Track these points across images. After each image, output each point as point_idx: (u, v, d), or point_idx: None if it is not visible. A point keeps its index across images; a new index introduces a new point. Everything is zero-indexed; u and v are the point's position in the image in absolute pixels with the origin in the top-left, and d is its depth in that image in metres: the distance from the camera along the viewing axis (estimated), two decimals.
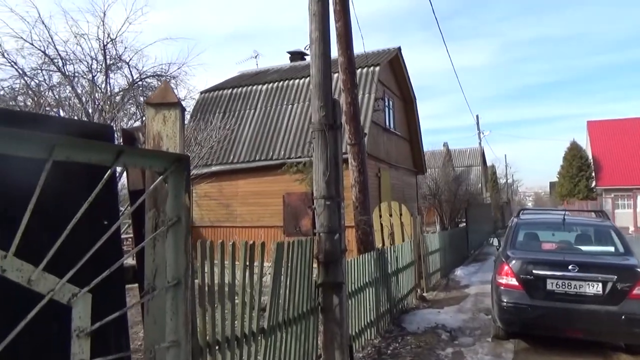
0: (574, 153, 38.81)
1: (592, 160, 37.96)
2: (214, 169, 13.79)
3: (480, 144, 37.52)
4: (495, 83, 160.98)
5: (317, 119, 5.11)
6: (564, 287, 6.16)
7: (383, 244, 11.24)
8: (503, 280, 6.54)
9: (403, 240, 10.78)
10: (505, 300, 6.43)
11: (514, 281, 6.44)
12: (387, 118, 16.06)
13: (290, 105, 14.62)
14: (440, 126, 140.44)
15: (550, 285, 6.22)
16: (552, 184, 70.28)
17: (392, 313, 7.96)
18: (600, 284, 6.03)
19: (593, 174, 37.40)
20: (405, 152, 18.44)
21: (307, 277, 4.94)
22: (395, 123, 17.04)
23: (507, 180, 58.41)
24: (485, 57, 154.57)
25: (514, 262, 6.55)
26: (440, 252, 13.05)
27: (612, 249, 6.77)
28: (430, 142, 76.35)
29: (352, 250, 8.10)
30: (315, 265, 5.10)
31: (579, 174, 38.02)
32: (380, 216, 11.41)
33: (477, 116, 36.37)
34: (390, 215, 11.39)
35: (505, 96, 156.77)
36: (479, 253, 19.72)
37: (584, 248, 6.87)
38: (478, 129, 36.44)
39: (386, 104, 16.12)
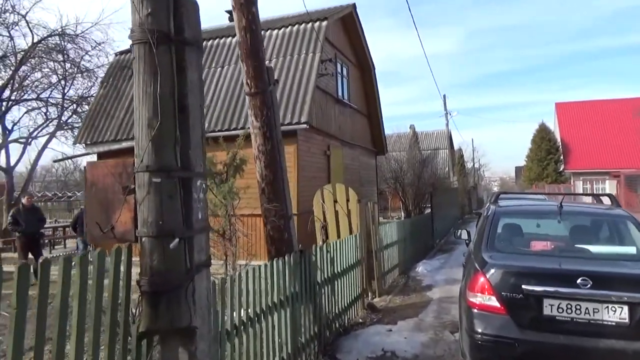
0: (543, 135, 37.53)
1: (560, 143, 36.73)
2: (124, 145, 11.18)
3: (447, 125, 35.73)
4: (461, 70, 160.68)
5: (137, 21, 2.69)
6: (570, 311, 3.99)
7: (324, 240, 8.96)
8: (477, 299, 4.33)
9: (351, 233, 8.52)
10: (480, 331, 4.23)
11: (493, 301, 4.23)
12: (339, 87, 13.69)
13: (220, 68, 12.07)
14: (407, 112, 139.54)
15: (550, 308, 4.04)
16: (518, 169, 69.77)
17: (323, 338, 5.68)
18: (625, 308, 3.88)
19: (562, 157, 36.19)
20: (362, 129, 16.16)
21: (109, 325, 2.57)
22: (350, 94, 14.71)
23: (474, 165, 57.28)
24: (451, 44, 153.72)
25: (493, 271, 4.33)
26: (399, 244, 10.89)
27: (633, 250, 4.64)
28: (397, 127, 74.72)
29: (256, 254, 5.79)
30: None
31: (547, 157, 36.80)
32: (323, 202, 9.10)
33: (445, 96, 34.56)
34: (336, 202, 9.09)
35: (471, 83, 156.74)
36: (445, 242, 17.76)
37: (593, 249, 4.70)
38: (445, 109, 34.61)
39: (338, 70, 13.74)
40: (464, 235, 7.60)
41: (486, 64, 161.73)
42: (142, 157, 2.66)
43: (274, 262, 4.57)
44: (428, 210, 19.46)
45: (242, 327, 3.89)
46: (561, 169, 36.20)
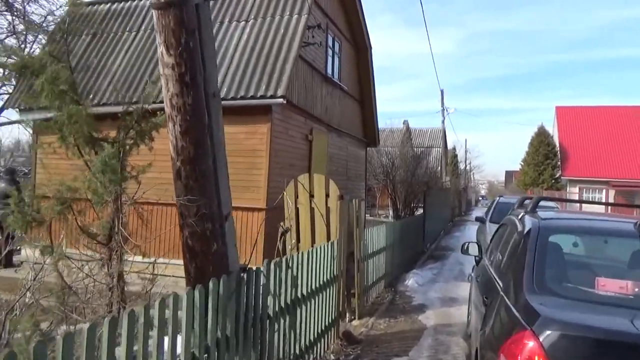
0: (542, 139, 35.95)
1: (558, 148, 35.21)
2: None
3: (443, 122, 34.00)
4: (459, 72, 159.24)
5: None
6: None
7: (297, 247, 7.13)
8: None
9: (329, 238, 6.70)
10: None
11: None
12: (329, 63, 11.79)
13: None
14: (401, 110, 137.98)
15: None
16: (508, 173, 68.58)
17: None
18: None
19: (559, 163, 34.68)
20: (353, 116, 14.30)
21: None
22: (341, 74, 12.82)
23: (466, 166, 55.73)
24: (450, 46, 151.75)
25: (552, 333, 2.53)
26: (387, 251, 9.12)
27: None
28: (390, 122, 72.89)
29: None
30: None
31: (545, 161, 35.23)
32: (297, 197, 7.25)
33: (442, 91, 32.76)
34: (312, 197, 7.24)
35: (467, 86, 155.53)
36: (437, 247, 16.04)
37: None
38: (442, 105, 32.86)
39: (329, 43, 11.82)
40: (474, 250, 5.82)
41: (484, 67, 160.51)
42: None
43: (190, 293, 2.72)
44: (419, 211, 17.75)
45: None
46: (557, 175, 34.71)
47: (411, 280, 9.54)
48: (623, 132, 34.51)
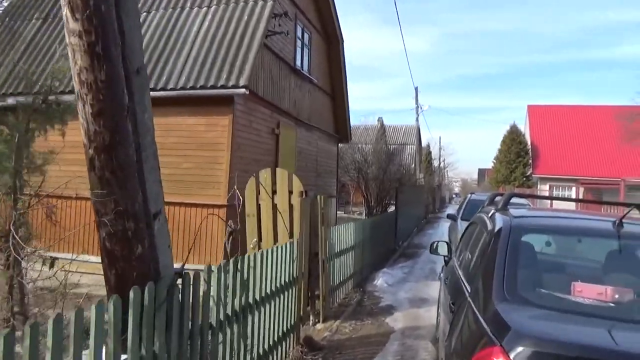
0: (513, 137, 36.24)
1: (530, 147, 35.55)
2: (9, 101, 8.51)
3: (417, 119, 33.90)
4: (433, 71, 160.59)
5: None
6: None
7: (258, 246, 6.70)
8: None
9: (292, 237, 6.28)
10: None
11: None
12: (298, 55, 11.35)
13: (142, 13, 9.52)
14: (375, 108, 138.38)
15: None
16: (481, 171, 69.25)
17: None
18: None
19: (530, 161, 35.02)
20: (323, 110, 13.89)
21: None
22: (311, 67, 12.39)
23: (439, 163, 56.01)
24: (426, 44, 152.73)
25: (524, 350, 2.17)
26: (355, 250, 8.76)
27: None
28: (364, 120, 72.86)
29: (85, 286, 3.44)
30: None
31: (516, 159, 35.53)
32: (259, 193, 6.80)
33: (417, 88, 32.64)
34: (275, 193, 6.81)
35: (441, 85, 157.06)
36: (409, 245, 15.82)
37: None
38: (416, 102, 32.75)
39: (298, 34, 11.38)
40: (443, 250, 5.49)
41: (458, 66, 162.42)
42: None
43: (98, 307, 2.27)
44: (391, 208, 17.49)
45: None
46: (529, 172, 35.05)
47: (380, 280, 9.21)
48: (593, 131, 35.08)
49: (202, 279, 3.28)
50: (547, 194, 32.15)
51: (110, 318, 2.36)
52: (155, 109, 8.92)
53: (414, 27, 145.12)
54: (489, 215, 3.79)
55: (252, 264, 4.10)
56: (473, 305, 2.88)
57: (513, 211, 3.66)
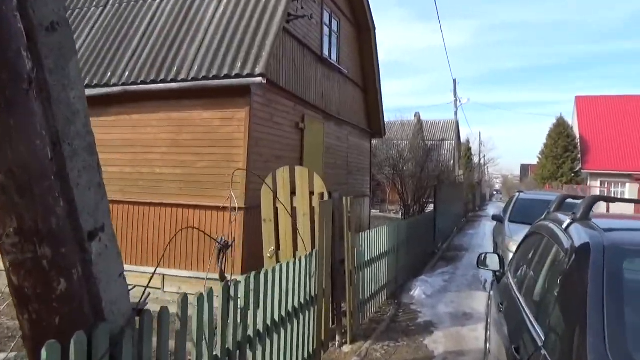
0: (560, 131, 34.11)
1: (579, 140, 33.38)
2: None
3: (456, 113, 32.43)
4: (472, 65, 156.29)
5: None
6: None
7: (276, 255, 5.89)
8: None
9: (314, 246, 5.41)
10: None
11: None
12: (325, 42, 10.45)
13: (155, 0, 8.87)
14: (411, 104, 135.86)
15: None
16: (524, 167, 66.35)
17: None
18: None
19: (579, 156, 32.86)
20: (355, 103, 12.94)
21: None
22: (340, 56, 11.47)
23: (479, 159, 53.86)
24: (464, 38, 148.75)
25: None
26: (390, 256, 7.82)
27: None
28: (400, 115, 71.15)
29: None
30: None
31: (564, 154, 33.41)
32: (276, 195, 5.97)
33: (455, 80, 31.18)
34: (293, 194, 5.97)
35: (481, 79, 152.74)
36: (449, 247, 14.70)
37: None
38: (455, 95, 31.27)
39: (325, 20, 10.48)
40: (494, 264, 4.49)
41: (499, 59, 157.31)
42: None
43: None
44: (430, 207, 16.38)
45: None
46: (578, 168, 32.90)
47: (418, 290, 8.22)
48: None
49: (170, 318, 2.45)
50: (598, 191, 30.07)
51: None
52: (165, 102, 8.15)
53: (447, 21, 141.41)
54: (564, 226, 2.79)
55: (251, 288, 3.25)
56: None
57: (599, 221, 2.65)
